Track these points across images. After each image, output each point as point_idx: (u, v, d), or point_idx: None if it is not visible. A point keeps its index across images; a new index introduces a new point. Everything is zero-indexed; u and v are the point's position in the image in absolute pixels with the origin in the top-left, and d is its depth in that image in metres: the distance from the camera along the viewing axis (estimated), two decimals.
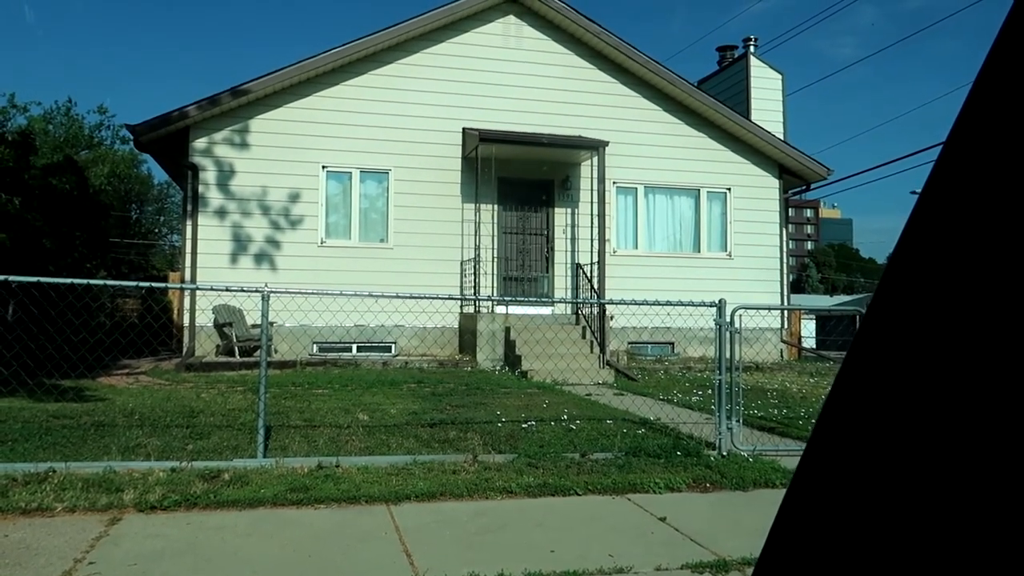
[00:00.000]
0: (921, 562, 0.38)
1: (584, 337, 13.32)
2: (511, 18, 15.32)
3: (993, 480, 0.35)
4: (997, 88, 0.39)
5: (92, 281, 6.27)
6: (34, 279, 5.73)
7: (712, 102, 16.07)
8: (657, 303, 7.25)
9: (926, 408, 0.39)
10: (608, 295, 13.81)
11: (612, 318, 13.97)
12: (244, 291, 6.45)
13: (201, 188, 13.69)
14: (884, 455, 0.40)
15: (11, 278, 5.66)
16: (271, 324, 6.42)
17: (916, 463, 0.39)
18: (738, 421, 6.60)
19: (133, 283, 6.79)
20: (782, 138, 17.27)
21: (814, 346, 21.30)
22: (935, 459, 0.39)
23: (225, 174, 13.81)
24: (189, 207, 13.81)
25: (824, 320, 23.06)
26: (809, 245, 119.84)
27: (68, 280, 5.89)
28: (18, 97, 34.82)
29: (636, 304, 7.57)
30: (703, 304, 7.04)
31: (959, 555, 0.37)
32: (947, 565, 0.37)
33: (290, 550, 3.84)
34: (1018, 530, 0.35)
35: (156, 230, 48.02)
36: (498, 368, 12.76)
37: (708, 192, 16.25)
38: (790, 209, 18.88)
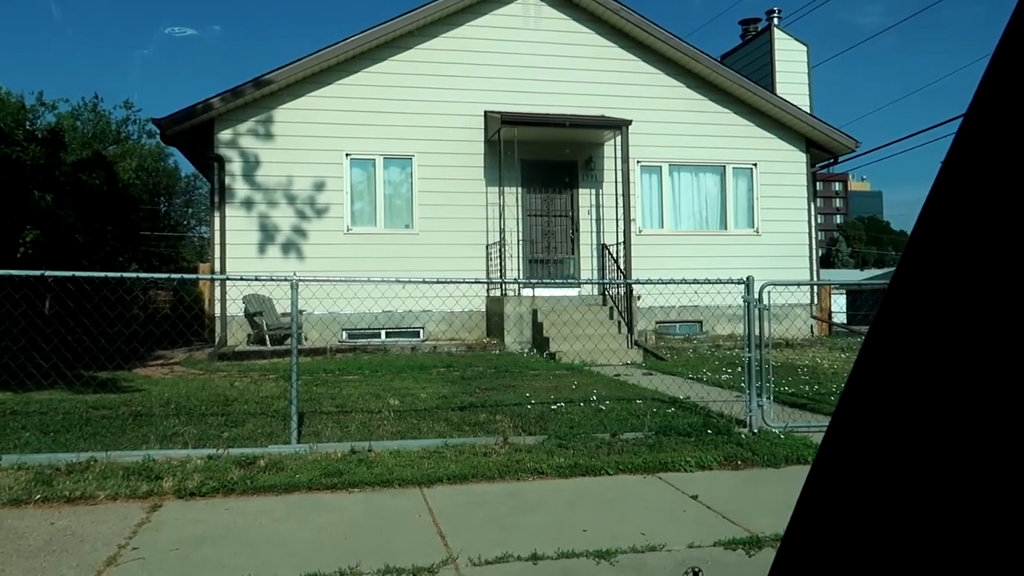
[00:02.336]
0: (942, 543, 0.39)
1: (611, 318, 13.28)
2: None
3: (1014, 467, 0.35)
4: (1009, 74, 0.39)
5: (125, 275, 6.38)
6: (69, 274, 5.84)
7: (736, 77, 15.84)
8: (684, 282, 7.21)
9: (949, 388, 0.39)
10: (634, 275, 13.75)
11: (639, 298, 13.91)
12: (273, 280, 6.53)
13: (228, 179, 13.82)
14: (906, 436, 0.41)
15: (47, 273, 5.78)
16: (300, 312, 6.50)
17: (939, 444, 0.39)
18: (769, 398, 6.56)
19: (165, 276, 6.90)
20: (808, 111, 16.99)
21: (845, 321, 21.05)
22: (959, 440, 0.39)
23: (250, 165, 13.93)
24: (216, 199, 13.96)
25: (855, 295, 22.72)
26: (838, 219, 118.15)
27: (102, 274, 5.99)
28: (46, 95, 35.24)
29: (663, 283, 7.53)
30: (731, 281, 6.98)
31: (977, 541, 0.37)
32: (965, 549, 0.38)
33: (326, 533, 3.90)
34: None
35: (185, 222, 48.59)
36: (526, 351, 12.78)
37: (734, 168, 16.06)
38: (818, 183, 18.59)
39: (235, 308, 13.35)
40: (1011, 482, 0.36)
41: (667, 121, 15.53)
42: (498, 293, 13.98)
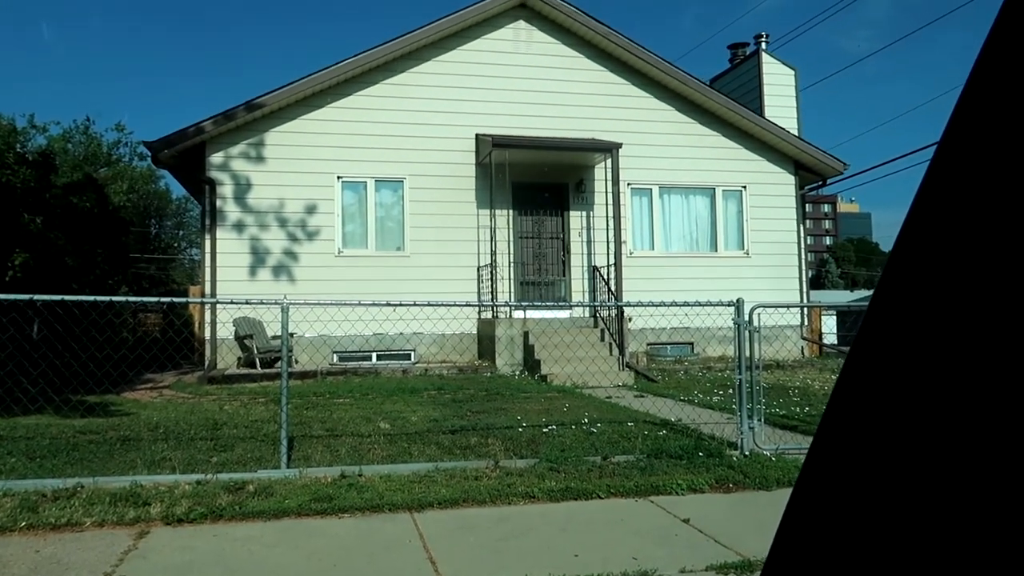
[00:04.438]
0: (923, 560, 0.39)
1: (603, 340, 13.29)
2: (520, 23, 15.35)
3: (995, 480, 0.36)
4: (989, 86, 0.40)
5: (115, 298, 6.35)
6: (58, 297, 5.81)
7: (725, 100, 16.00)
8: (675, 304, 7.23)
9: (932, 400, 0.40)
10: (625, 297, 13.77)
11: (630, 320, 13.93)
12: (264, 303, 6.51)
13: (219, 202, 13.82)
14: (887, 453, 0.41)
15: (36, 297, 5.75)
16: (291, 335, 6.48)
17: (919, 460, 0.40)
18: (760, 420, 6.56)
19: (155, 299, 6.87)
20: (796, 134, 17.15)
21: (835, 342, 21.11)
22: (938, 456, 0.39)
23: (242, 188, 13.94)
24: (207, 221, 13.95)
25: (844, 316, 22.82)
26: (828, 240, 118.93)
27: (91, 297, 5.97)
28: (37, 117, 35.32)
29: (654, 305, 7.55)
30: (721, 304, 7.00)
31: (959, 553, 0.38)
32: (947, 563, 0.38)
33: (316, 560, 3.87)
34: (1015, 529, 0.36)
35: (175, 244, 48.50)
36: (517, 373, 12.76)
37: (723, 190, 16.17)
38: (807, 205, 18.70)
39: (225, 331, 13.29)
40: (992, 492, 0.36)
41: (657, 144, 15.65)
42: (489, 315, 13.97)
